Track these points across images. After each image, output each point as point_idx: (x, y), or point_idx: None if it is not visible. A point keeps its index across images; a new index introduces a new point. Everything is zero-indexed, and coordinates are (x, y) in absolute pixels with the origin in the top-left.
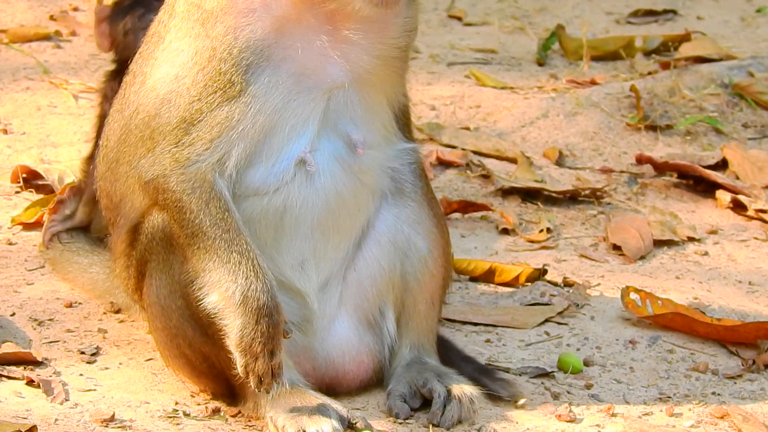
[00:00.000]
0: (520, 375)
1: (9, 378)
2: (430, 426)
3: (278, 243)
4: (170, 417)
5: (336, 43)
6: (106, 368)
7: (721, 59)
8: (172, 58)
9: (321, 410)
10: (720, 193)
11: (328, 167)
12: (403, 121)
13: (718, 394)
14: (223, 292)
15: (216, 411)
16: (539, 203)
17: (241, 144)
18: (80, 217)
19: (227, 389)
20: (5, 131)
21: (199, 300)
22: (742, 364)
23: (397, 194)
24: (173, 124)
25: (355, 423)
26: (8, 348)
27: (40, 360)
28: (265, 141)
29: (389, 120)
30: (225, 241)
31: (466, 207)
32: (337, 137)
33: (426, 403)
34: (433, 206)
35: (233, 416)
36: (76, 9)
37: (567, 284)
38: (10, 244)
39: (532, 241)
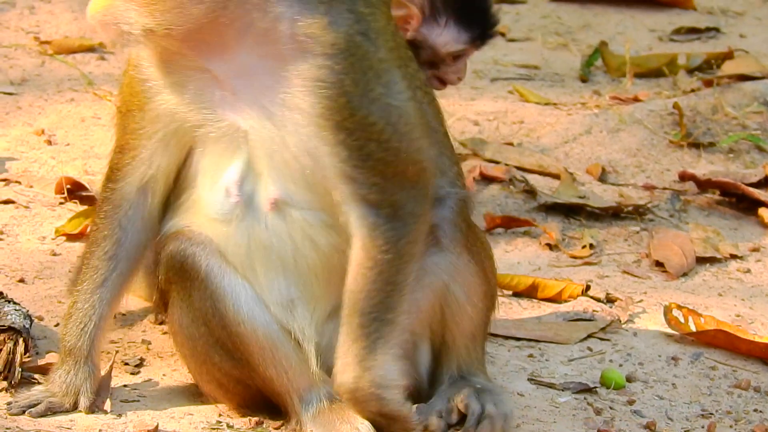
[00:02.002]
0: (563, 390)
1: None
2: None
3: (259, 279)
4: (213, 429)
5: (235, 82)
6: (150, 379)
7: (763, 77)
8: None
9: (360, 428)
10: (762, 211)
11: (264, 209)
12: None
13: (760, 411)
14: None
15: (259, 423)
16: (582, 219)
17: (161, 160)
18: None
19: (267, 405)
20: (49, 142)
21: (221, 326)
22: None
23: (434, 244)
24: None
25: None
26: (52, 358)
27: None
28: (191, 162)
29: (326, 182)
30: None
31: (510, 222)
32: (260, 184)
33: (464, 419)
34: (473, 254)
35: (276, 429)
36: None
37: (610, 300)
38: (54, 254)
39: (575, 257)
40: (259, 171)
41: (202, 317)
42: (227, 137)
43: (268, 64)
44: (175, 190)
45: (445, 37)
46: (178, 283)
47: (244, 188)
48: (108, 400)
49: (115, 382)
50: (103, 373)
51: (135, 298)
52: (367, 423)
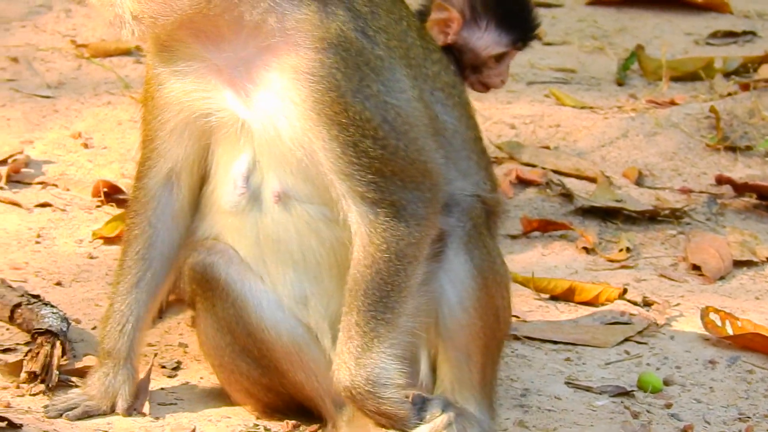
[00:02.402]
0: (600, 393)
1: None
2: None
3: (270, 271)
4: None
5: (232, 73)
6: (187, 382)
7: None
8: None
9: None
10: None
11: (270, 202)
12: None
13: None
14: None
15: (296, 426)
16: (619, 223)
17: (180, 152)
18: None
19: (300, 411)
20: (86, 145)
21: (245, 334)
22: None
23: (438, 240)
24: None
25: None
26: (89, 361)
27: None
28: (208, 154)
29: (324, 177)
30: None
31: (546, 226)
32: (265, 176)
33: None
34: (473, 256)
35: None
36: None
37: (647, 304)
38: (91, 257)
39: (611, 261)
40: (262, 163)
41: (226, 326)
42: (233, 128)
43: (263, 56)
44: (200, 186)
45: (486, 39)
46: (201, 294)
47: (251, 181)
48: (147, 403)
49: (153, 385)
50: (141, 376)
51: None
52: None
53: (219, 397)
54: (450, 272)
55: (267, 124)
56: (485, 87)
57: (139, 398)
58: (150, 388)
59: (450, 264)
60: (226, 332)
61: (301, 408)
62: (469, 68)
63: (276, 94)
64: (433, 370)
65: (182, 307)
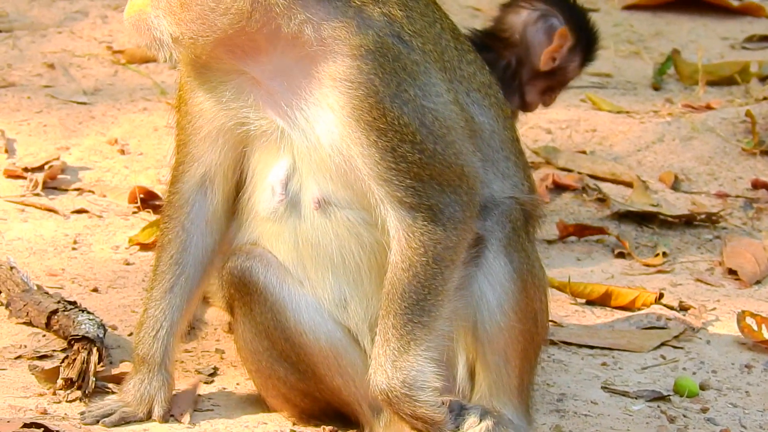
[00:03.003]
0: (636, 398)
1: None
2: None
3: (310, 276)
4: None
5: (259, 88)
6: (224, 388)
7: None
8: None
9: None
10: None
11: (309, 208)
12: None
13: None
14: None
15: None
16: (655, 227)
17: (214, 158)
18: None
19: (336, 417)
20: (122, 152)
21: (283, 338)
22: None
23: (476, 244)
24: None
25: None
26: (126, 367)
27: None
28: (243, 160)
29: (362, 182)
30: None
31: (583, 230)
32: (305, 183)
33: None
34: (512, 259)
35: None
36: None
37: (683, 308)
38: (128, 264)
39: (648, 265)
40: (301, 170)
41: (264, 330)
42: (272, 135)
43: (301, 65)
44: (235, 194)
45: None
46: (239, 298)
47: (289, 187)
48: (188, 414)
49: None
50: (180, 384)
51: (210, 307)
52: None
53: (255, 403)
54: (489, 275)
55: (307, 131)
56: (540, 105)
57: (180, 406)
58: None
59: (489, 266)
60: (263, 337)
61: (337, 413)
62: (541, 92)
63: (315, 102)
64: (471, 375)
65: (219, 313)
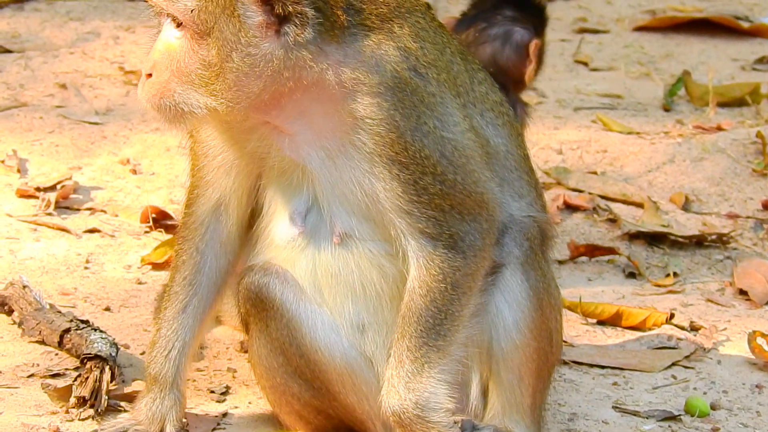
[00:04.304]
0: (647, 418)
1: None
2: None
3: (327, 302)
4: None
5: (280, 131)
6: (236, 407)
7: None
8: None
9: None
10: None
11: (329, 240)
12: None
13: None
14: None
15: None
16: (666, 248)
17: (230, 184)
18: None
19: None
20: (134, 171)
21: (298, 355)
22: None
23: (492, 272)
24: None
25: None
26: (138, 386)
27: None
28: (262, 189)
29: (383, 216)
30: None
31: (593, 251)
32: (325, 216)
33: None
34: (529, 277)
35: None
36: None
37: (694, 328)
38: (140, 283)
39: (658, 286)
40: (321, 204)
41: (279, 347)
42: (293, 173)
43: (322, 106)
44: (250, 218)
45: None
46: (255, 314)
47: (308, 219)
48: None
49: (201, 409)
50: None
51: (221, 326)
52: None
53: (268, 421)
54: (506, 292)
55: (329, 168)
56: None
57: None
58: (197, 413)
59: (506, 284)
60: (278, 353)
61: (348, 430)
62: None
63: (337, 140)
64: (484, 394)
65: (231, 332)
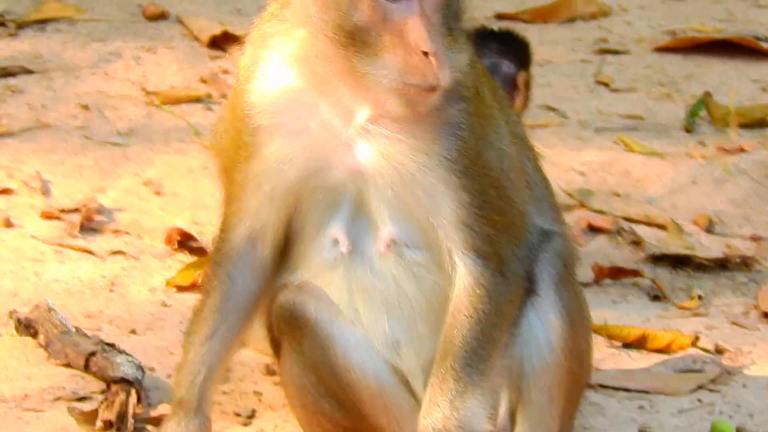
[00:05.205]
0: None
1: None
2: None
3: (362, 320)
4: None
5: (356, 130)
6: (262, 430)
7: None
8: None
9: None
10: None
11: (370, 252)
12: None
13: None
14: None
15: None
16: (690, 270)
17: (267, 212)
18: None
19: None
20: (158, 193)
21: (331, 375)
22: None
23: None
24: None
25: None
26: (164, 409)
27: None
28: (298, 215)
29: (441, 228)
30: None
31: (617, 273)
32: (371, 227)
33: None
34: (563, 297)
35: None
36: (226, 72)
37: (719, 351)
38: (165, 305)
39: (683, 308)
40: (372, 216)
41: (312, 366)
42: (334, 189)
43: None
44: (285, 242)
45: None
46: (288, 332)
47: (352, 236)
48: None
49: None
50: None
51: (247, 350)
52: None
53: None
54: (539, 310)
55: (394, 175)
56: None
57: None
58: None
59: (540, 302)
60: (311, 372)
61: None
62: None
63: (410, 146)
64: (512, 418)
65: (256, 355)
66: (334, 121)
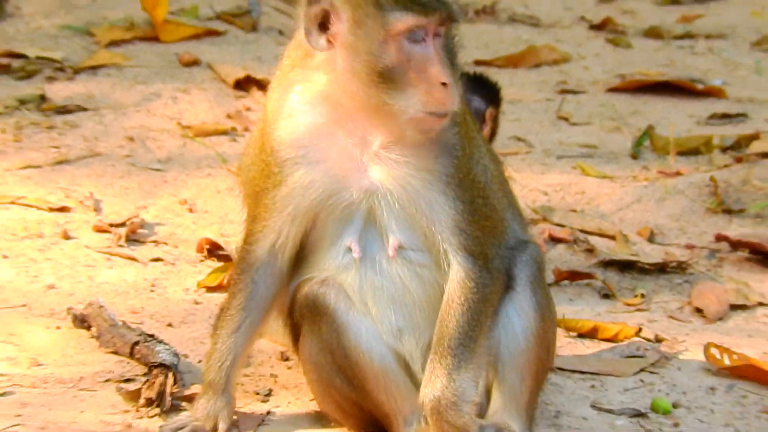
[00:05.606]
0: (620, 415)
1: None
2: None
3: (371, 312)
4: None
5: (369, 155)
6: (277, 406)
7: None
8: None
9: None
10: None
11: (378, 257)
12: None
13: None
14: None
15: None
16: (634, 273)
17: (289, 229)
18: None
19: (376, 425)
20: (191, 210)
21: (343, 356)
22: None
23: (508, 280)
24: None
25: None
26: (196, 389)
27: None
28: (314, 229)
29: (440, 233)
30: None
31: (574, 276)
32: (379, 236)
33: None
34: (536, 294)
35: None
36: (248, 109)
37: (658, 340)
38: (196, 303)
39: (629, 305)
40: (381, 226)
41: (327, 347)
42: (349, 206)
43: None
44: (300, 251)
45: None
46: (309, 318)
47: (363, 243)
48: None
49: (247, 409)
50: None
51: (265, 340)
52: None
53: (305, 419)
54: (516, 304)
55: (402, 192)
56: None
57: (246, 424)
58: (246, 411)
59: (517, 297)
60: (326, 352)
61: (376, 423)
62: None
63: (415, 166)
64: (487, 393)
65: (272, 344)
66: (351, 149)
